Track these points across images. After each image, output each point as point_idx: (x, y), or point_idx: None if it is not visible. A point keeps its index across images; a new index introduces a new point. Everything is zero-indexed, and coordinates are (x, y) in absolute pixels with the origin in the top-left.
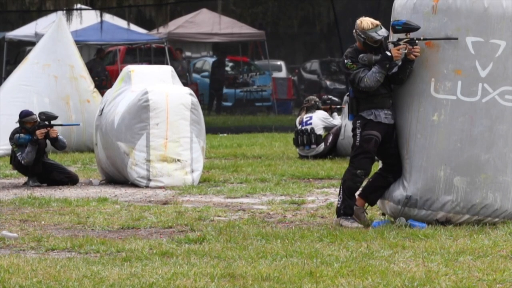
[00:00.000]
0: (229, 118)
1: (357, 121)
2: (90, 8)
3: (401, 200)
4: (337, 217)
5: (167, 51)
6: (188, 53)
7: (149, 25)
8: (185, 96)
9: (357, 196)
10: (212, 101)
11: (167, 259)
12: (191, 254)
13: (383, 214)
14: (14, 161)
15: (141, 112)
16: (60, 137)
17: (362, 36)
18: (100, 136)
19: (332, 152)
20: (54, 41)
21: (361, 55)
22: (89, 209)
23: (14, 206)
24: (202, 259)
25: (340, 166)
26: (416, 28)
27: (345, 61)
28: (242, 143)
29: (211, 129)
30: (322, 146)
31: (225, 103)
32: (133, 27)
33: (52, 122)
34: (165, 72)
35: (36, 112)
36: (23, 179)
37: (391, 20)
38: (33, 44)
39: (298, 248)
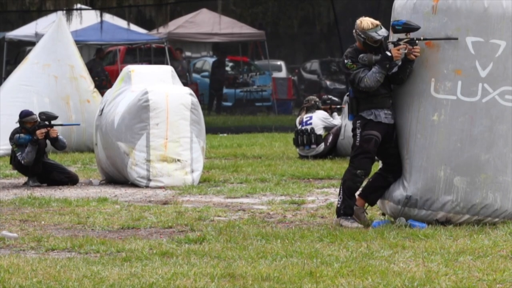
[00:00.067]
0: (229, 118)
1: (357, 121)
2: (90, 8)
3: (401, 200)
4: (337, 217)
5: (167, 51)
6: (188, 53)
7: (149, 25)
8: (185, 96)
9: (357, 196)
10: (212, 101)
11: (167, 259)
12: (191, 254)
13: (383, 214)
14: (14, 161)
15: (141, 112)
16: (60, 137)
17: (362, 36)
18: (100, 136)
19: (332, 152)
20: (54, 41)
21: (361, 55)
22: (89, 209)
23: (14, 206)
24: (202, 259)
25: (340, 166)
26: (416, 28)
27: (345, 61)
28: (242, 143)
29: (211, 129)
30: (322, 146)
31: (225, 103)
32: (133, 27)
33: (52, 122)
34: (165, 72)
35: (36, 112)
36: (23, 179)
37: (391, 20)
38: (33, 44)
39: (298, 248)
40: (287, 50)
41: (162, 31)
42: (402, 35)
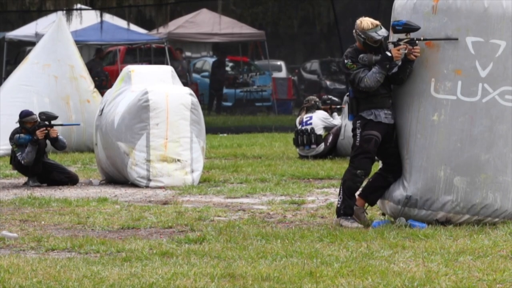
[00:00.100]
0: (229, 118)
1: (357, 121)
2: (90, 8)
3: (401, 200)
4: (337, 217)
5: (167, 51)
6: (188, 53)
7: (149, 25)
8: (185, 96)
9: (357, 196)
10: (212, 101)
11: (167, 259)
12: (191, 254)
13: (383, 214)
14: (14, 161)
15: (141, 112)
16: (60, 137)
17: (362, 36)
18: (100, 136)
19: (332, 152)
20: (54, 41)
21: (361, 55)
22: (89, 209)
23: (14, 206)
24: (202, 259)
25: (340, 166)
26: (416, 29)
27: (345, 61)
28: (242, 143)
29: (211, 129)
30: (322, 146)
31: (225, 103)
32: (133, 27)
33: (52, 122)
34: (165, 72)
35: (36, 112)
36: (23, 179)
37: (391, 20)
38: (33, 44)
39: (298, 248)
40: (287, 50)
41: (162, 31)
42: (402, 35)
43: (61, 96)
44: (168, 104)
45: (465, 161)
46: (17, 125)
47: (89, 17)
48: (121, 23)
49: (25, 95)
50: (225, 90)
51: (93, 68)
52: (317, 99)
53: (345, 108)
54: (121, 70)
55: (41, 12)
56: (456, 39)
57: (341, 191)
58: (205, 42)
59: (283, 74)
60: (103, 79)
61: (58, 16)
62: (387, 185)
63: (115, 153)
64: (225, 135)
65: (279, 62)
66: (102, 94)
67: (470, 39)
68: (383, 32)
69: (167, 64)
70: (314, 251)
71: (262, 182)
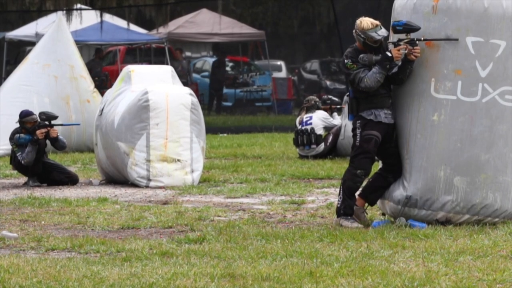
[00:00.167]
0: (229, 118)
1: (357, 121)
2: (90, 8)
3: (401, 200)
4: (337, 217)
5: (167, 51)
6: (188, 53)
7: (149, 25)
8: (185, 96)
9: (357, 196)
10: (212, 101)
11: (167, 259)
12: (191, 254)
13: (383, 214)
14: (14, 161)
15: (141, 112)
16: (60, 137)
17: (362, 36)
18: (100, 136)
19: (332, 152)
20: (54, 41)
21: (361, 55)
22: (89, 209)
23: (14, 206)
24: (202, 259)
25: (340, 166)
26: (416, 29)
27: (345, 61)
28: (242, 143)
29: (211, 129)
30: (322, 146)
31: (225, 103)
32: (133, 27)
33: (52, 122)
34: (165, 72)
35: (36, 112)
36: (23, 179)
37: (391, 20)
38: (33, 44)
39: (298, 248)
40: (287, 50)
41: (162, 31)
42: (402, 36)
43: (61, 96)
44: (168, 104)
45: (465, 161)
46: (17, 125)
47: (89, 17)
48: (121, 23)
49: (25, 95)
50: (225, 90)
51: (93, 68)
52: (317, 99)
53: (345, 108)
54: (121, 70)
55: (41, 12)
56: (456, 39)
57: (341, 191)
58: (205, 42)
59: (283, 74)
60: (103, 79)
61: (58, 16)
62: (387, 185)
63: (115, 153)
64: (225, 135)
65: (279, 62)
66: (102, 94)
67: (470, 39)
68: (383, 32)
69: (167, 64)
70: (314, 251)
71: (262, 182)
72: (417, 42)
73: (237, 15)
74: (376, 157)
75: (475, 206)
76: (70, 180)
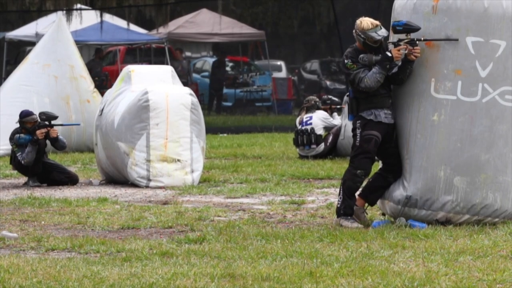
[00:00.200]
0: (229, 118)
1: (357, 121)
2: (90, 8)
3: (401, 200)
4: (337, 217)
5: (167, 51)
6: (188, 53)
7: (149, 25)
8: (185, 96)
9: (357, 196)
10: (212, 101)
11: (167, 259)
12: (191, 254)
13: (383, 214)
14: (14, 161)
15: (141, 112)
16: (60, 137)
17: (362, 36)
18: (100, 136)
19: (332, 152)
20: (54, 41)
21: (361, 55)
22: (89, 209)
23: (14, 206)
24: (202, 259)
25: (340, 166)
26: (416, 29)
27: (345, 61)
28: (242, 143)
29: (211, 129)
30: (322, 146)
31: (225, 103)
32: (133, 27)
33: (52, 122)
34: (165, 72)
35: (36, 112)
36: (23, 179)
37: (391, 20)
38: (33, 44)
39: (298, 248)
40: (287, 50)
41: (162, 31)
42: (402, 36)
43: (61, 96)
44: (168, 104)
45: (465, 161)
46: (17, 125)
47: (89, 17)
48: (121, 23)
49: (25, 95)
50: (225, 90)
51: (93, 68)
52: (317, 99)
53: (345, 108)
54: (121, 70)
55: (41, 12)
56: (457, 39)
57: (341, 191)
58: (205, 42)
59: (283, 74)
60: (103, 79)
61: (58, 16)
62: (387, 185)
63: (115, 153)
64: (225, 135)
65: (279, 62)
66: (102, 94)
67: (470, 39)
68: (383, 32)
69: (167, 64)
70: (314, 251)
71: (262, 182)
72: (417, 42)
73: (237, 15)
74: (376, 157)
75: (475, 206)
76: (70, 180)
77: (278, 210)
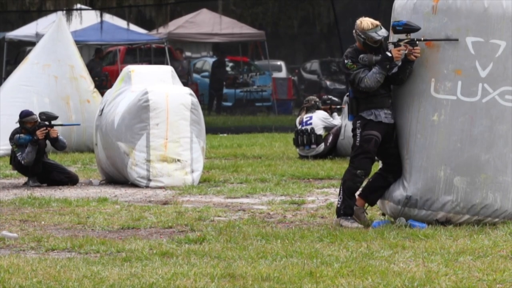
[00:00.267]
0: (229, 118)
1: (357, 121)
2: (90, 8)
3: (401, 200)
4: (337, 217)
5: (167, 51)
6: (188, 53)
7: (149, 25)
8: (185, 96)
9: (357, 196)
10: (212, 101)
11: (167, 259)
12: (191, 254)
13: (383, 214)
14: (14, 161)
15: (141, 112)
16: (60, 137)
17: (362, 36)
18: (100, 136)
19: (332, 152)
20: (54, 41)
21: (361, 56)
22: (89, 209)
23: (14, 206)
24: (202, 259)
25: (340, 166)
26: (416, 29)
27: (345, 61)
28: (242, 143)
29: (211, 129)
30: (322, 146)
31: (225, 103)
32: (133, 27)
33: (52, 122)
34: (165, 72)
35: (36, 112)
36: (23, 179)
37: (391, 20)
38: (33, 44)
39: (298, 248)
40: (287, 50)
41: (162, 31)
42: (402, 36)
43: (61, 96)
44: (168, 104)
45: (465, 161)
46: (17, 125)
47: (89, 17)
48: (121, 23)
49: (25, 95)
50: (225, 90)
51: (93, 68)
52: (317, 99)
53: (345, 108)
54: (121, 70)
55: (41, 12)
56: (457, 39)
57: (341, 191)
58: (205, 42)
59: (283, 74)
60: (103, 79)
61: (58, 16)
62: (387, 185)
63: (115, 153)
64: (225, 135)
65: (279, 62)
66: (102, 94)
67: (470, 39)
68: (383, 32)
69: (167, 64)
70: (314, 251)
71: (262, 182)
72: (417, 42)
73: (237, 15)
74: (376, 157)
75: (475, 206)
76: (70, 180)
77: (278, 210)
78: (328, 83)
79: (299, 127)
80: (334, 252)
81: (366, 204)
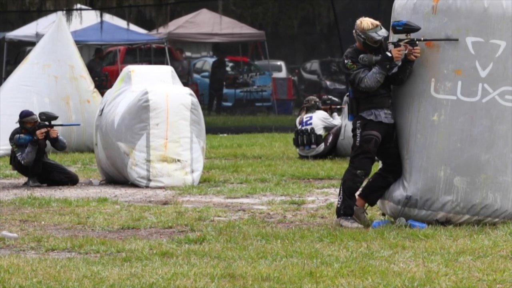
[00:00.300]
0: (229, 118)
1: (357, 121)
2: (90, 8)
3: (401, 200)
4: (337, 217)
5: (167, 51)
6: (188, 53)
7: (149, 25)
8: (185, 96)
9: (357, 196)
10: (212, 101)
11: (167, 259)
12: (191, 254)
13: (383, 214)
14: (14, 161)
15: (141, 112)
16: (60, 137)
17: (362, 36)
18: (100, 136)
19: (332, 152)
20: (54, 41)
21: (361, 56)
22: (89, 209)
23: (14, 206)
24: (202, 259)
25: (340, 166)
26: (416, 29)
27: (345, 61)
28: (242, 143)
29: (211, 129)
30: (322, 146)
31: (225, 103)
32: (133, 27)
33: (52, 122)
34: (165, 72)
35: (36, 112)
36: (23, 179)
37: (391, 20)
38: (33, 44)
39: (298, 248)
40: (287, 50)
41: (162, 31)
42: (402, 36)
43: (61, 96)
44: (168, 104)
45: (465, 161)
46: (17, 125)
47: (89, 17)
48: (121, 23)
49: (25, 95)
50: (225, 90)
51: (93, 68)
52: (317, 99)
53: (345, 108)
54: (121, 70)
55: (41, 12)
56: (457, 39)
57: (341, 191)
58: (205, 42)
59: (283, 74)
60: (103, 79)
61: (58, 16)
62: (387, 185)
63: (115, 153)
64: (225, 135)
65: (279, 62)
66: (102, 94)
67: (470, 39)
68: (383, 32)
69: (167, 64)
70: (314, 251)
71: (262, 182)
72: (417, 42)
73: (237, 15)
74: (376, 157)
75: (475, 206)
76: (70, 180)
77: (278, 210)
78: (328, 83)
79: (299, 127)
80: (334, 252)
81: (366, 204)
